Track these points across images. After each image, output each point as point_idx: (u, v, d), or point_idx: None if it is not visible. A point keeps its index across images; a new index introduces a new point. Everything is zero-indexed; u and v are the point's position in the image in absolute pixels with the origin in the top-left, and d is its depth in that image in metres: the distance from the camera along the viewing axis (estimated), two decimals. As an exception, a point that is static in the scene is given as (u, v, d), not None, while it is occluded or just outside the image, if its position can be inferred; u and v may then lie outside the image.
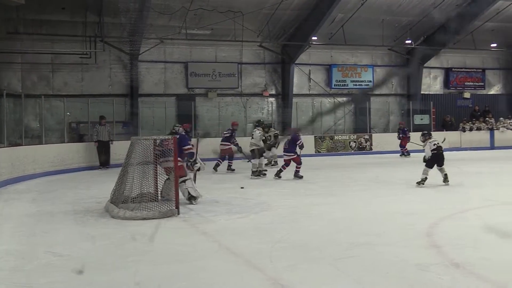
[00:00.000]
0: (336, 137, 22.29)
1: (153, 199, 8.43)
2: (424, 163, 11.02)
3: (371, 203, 9.38)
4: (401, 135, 20.27)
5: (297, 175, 12.81)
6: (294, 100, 23.29)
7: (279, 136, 16.69)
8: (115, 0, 17.77)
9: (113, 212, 8.02)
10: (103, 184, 11.74)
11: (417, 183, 10.88)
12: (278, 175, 12.85)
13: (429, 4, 21.64)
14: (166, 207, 8.08)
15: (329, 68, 24.31)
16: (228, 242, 6.35)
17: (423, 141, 11.33)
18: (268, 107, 23.55)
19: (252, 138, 14.60)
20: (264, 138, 15.08)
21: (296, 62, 23.06)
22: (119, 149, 15.82)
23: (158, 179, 8.77)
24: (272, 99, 23.64)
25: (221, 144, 15.35)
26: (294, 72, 23.29)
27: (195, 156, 9.45)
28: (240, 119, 21.77)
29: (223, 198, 9.72)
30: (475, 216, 7.88)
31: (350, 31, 21.65)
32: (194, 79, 22.05)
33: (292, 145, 13.01)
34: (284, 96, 23.39)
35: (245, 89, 23.04)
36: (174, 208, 8.04)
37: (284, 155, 13.15)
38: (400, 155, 20.07)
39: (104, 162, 16.78)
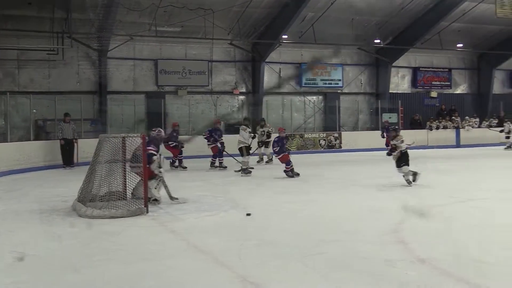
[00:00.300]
0: (305, 135, 22.42)
1: (121, 198, 8.35)
2: (394, 160, 11.01)
3: (340, 200, 9.47)
4: (384, 134, 20.24)
5: (287, 174, 12.65)
6: (265, 98, 23.35)
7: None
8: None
9: (80, 211, 7.91)
10: (69, 183, 11.53)
11: (410, 183, 10.66)
12: (293, 173, 12.64)
13: (397, 4, 21.96)
14: (134, 205, 8.01)
15: (299, 67, 24.43)
16: (197, 240, 6.33)
17: (395, 136, 11.18)
18: (238, 104, 23.55)
19: (240, 136, 14.55)
20: (253, 135, 14.96)
21: (267, 60, 23.12)
22: (87, 147, 15.54)
23: (127, 177, 8.67)
24: (242, 97, 23.65)
25: (207, 144, 15.29)
26: (264, 70, 23.34)
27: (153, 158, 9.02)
28: (210, 117, 21.77)
29: (193, 196, 9.66)
30: (441, 213, 8.02)
31: (320, 30, 21.79)
32: (164, 77, 21.89)
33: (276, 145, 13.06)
34: (255, 94, 23.41)
35: (216, 87, 22.98)
36: (143, 206, 7.97)
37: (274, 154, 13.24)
38: (388, 153, 19.77)
39: (68, 161, 16.28)
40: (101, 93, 20.57)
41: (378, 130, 21.56)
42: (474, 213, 8.04)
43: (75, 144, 16.48)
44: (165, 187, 8.94)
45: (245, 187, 11.25)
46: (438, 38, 23.96)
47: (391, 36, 24.42)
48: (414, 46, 24.34)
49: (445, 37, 24.12)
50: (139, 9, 19.05)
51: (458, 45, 26.08)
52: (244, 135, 14.48)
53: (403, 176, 10.75)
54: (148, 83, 21.84)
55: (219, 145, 14.86)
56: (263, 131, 16.57)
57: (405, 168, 10.75)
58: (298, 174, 12.65)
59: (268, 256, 5.59)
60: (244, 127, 14.93)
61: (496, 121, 26.18)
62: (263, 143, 16.43)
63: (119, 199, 8.27)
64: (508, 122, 23.00)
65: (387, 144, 19.97)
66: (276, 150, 12.97)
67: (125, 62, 21.29)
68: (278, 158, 13.08)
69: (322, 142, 22.36)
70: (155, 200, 8.75)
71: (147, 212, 7.94)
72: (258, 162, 16.17)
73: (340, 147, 22.49)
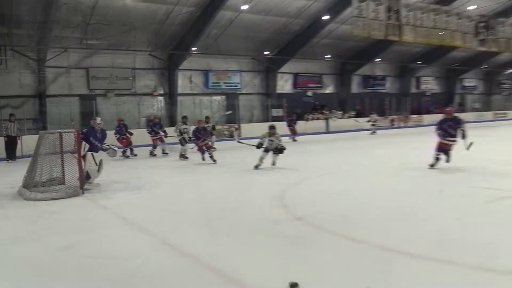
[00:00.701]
0: (213, 127, 22.39)
1: (61, 183, 8.00)
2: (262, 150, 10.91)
3: (238, 177, 9.67)
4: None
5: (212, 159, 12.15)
6: (179, 98, 23.10)
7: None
8: (22, 14, 16.44)
9: (25, 195, 7.51)
10: (14, 173, 10.77)
11: (274, 164, 10.68)
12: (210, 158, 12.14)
13: (281, 24, 22.54)
14: (71, 188, 7.72)
15: (206, 73, 24.36)
16: (124, 213, 6.26)
17: (273, 134, 11.00)
18: (158, 104, 23.12)
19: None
20: (178, 130, 14.54)
21: (180, 67, 22.85)
22: (30, 142, 14.48)
23: (65, 166, 8.28)
24: (161, 98, 23.21)
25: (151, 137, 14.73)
26: (178, 76, 23.08)
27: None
28: (134, 114, 21.31)
29: (122, 179, 9.47)
30: (314, 182, 8.47)
31: (222, 43, 21.93)
32: (94, 82, 20.97)
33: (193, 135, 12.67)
34: (171, 96, 23.09)
35: (139, 90, 22.38)
36: (79, 189, 7.71)
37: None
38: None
39: (11, 155, 14.88)
40: (41, 96, 19.40)
41: (268, 121, 22.00)
42: (337, 181, 8.53)
43: (19, 140, 15.36)
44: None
45: (165, 170, 11.15)
46: (312, 51, 24.89)
47: (277, 49, 25.00)
48: (294, 56, 25.10)
49: (317, 50, 25.11)
50: (72, 25, 18.09)
51: (327, 56, 27.20)
52: (176, 130, 14.44)
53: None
54: (81, 88, 20.81)
55: (161, 133, 14.56)
56: (208, 125, 15.91)
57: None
58: (215, 161, 12.05)
59: (181, 222, 5.67)
60: (180, 123, 14.73)
61: (354, 113, 27.83)
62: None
63: (59, 184, 7.93)
64: (374, 113, 24.64)
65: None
66: (193, 140, 12.51)
67: (61, 70, 20.06)
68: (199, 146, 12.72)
69: (226, 132, 22.52)
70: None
71: (83, 193, 7.70)
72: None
73: (240, 136, 22.72)
